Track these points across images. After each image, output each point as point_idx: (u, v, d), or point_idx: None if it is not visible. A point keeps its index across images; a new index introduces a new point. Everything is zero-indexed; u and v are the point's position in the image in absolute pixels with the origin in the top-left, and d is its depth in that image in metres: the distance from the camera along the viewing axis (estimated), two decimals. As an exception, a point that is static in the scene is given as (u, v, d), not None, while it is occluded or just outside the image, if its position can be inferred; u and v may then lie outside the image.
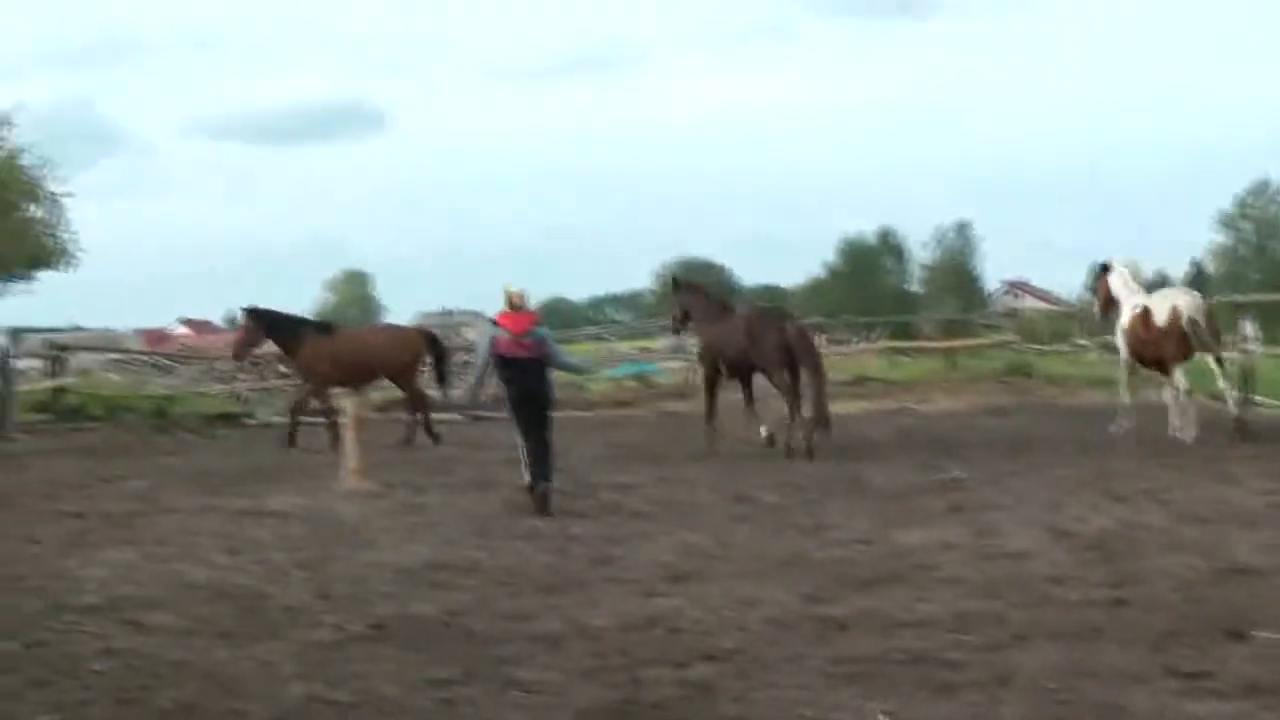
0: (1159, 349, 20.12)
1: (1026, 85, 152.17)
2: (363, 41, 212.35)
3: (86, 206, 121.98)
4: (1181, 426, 19.87)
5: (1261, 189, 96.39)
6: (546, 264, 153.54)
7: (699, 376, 25.00)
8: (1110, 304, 21.79)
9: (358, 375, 23.47)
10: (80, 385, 33.90)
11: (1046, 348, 41.13)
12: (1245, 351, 22.99)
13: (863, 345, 44.95)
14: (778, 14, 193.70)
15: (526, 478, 15.03)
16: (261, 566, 11.65)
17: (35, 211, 33.67)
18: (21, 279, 34.18)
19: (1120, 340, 21.30)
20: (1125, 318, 21.00)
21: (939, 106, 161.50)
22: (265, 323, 23.86)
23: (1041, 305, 79.41)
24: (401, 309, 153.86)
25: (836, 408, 22.12)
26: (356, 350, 23.93)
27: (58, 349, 32.94)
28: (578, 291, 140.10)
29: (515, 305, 15.60)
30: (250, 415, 31.02)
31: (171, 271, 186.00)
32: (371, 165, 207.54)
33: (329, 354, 23.17)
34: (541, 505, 14.64)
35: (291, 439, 22.60)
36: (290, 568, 11.56)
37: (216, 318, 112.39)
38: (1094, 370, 33.23)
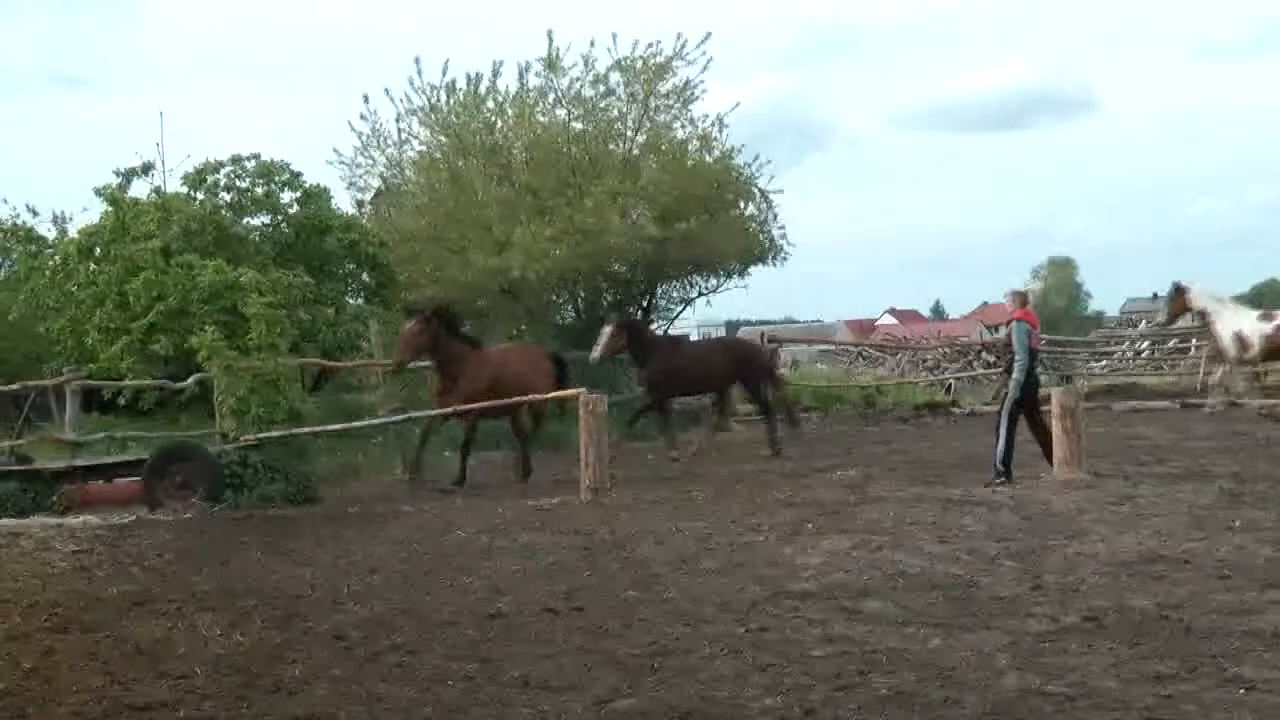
0: None
1: None
2: (1065, 24, 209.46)
3: (795, 201, 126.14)
4: None
5: None
6: (1262, 245, 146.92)
7: None
8: None
9: None
10: (792, 376, 35.11)
11: None
12: None
13: None
14: None
15: (1000, 467, 16.63)
16: (972, 556, 11.68)
17: (748, 209, 34.96)
18: (736, 275, 35.57)
19: None
20: None
21: None
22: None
23: None
24: (1107, 295, 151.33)
25: None
26: None
27: (772, 342, 34.15)
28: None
29: (1027, 303, 17.47)
30: (956, 404, 31.24)
31: (879, 262, 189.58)
32: (1076, 149, 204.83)
33: None
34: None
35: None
36: (1001, 557, 11.54)
37: (923, 307, 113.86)
38: None
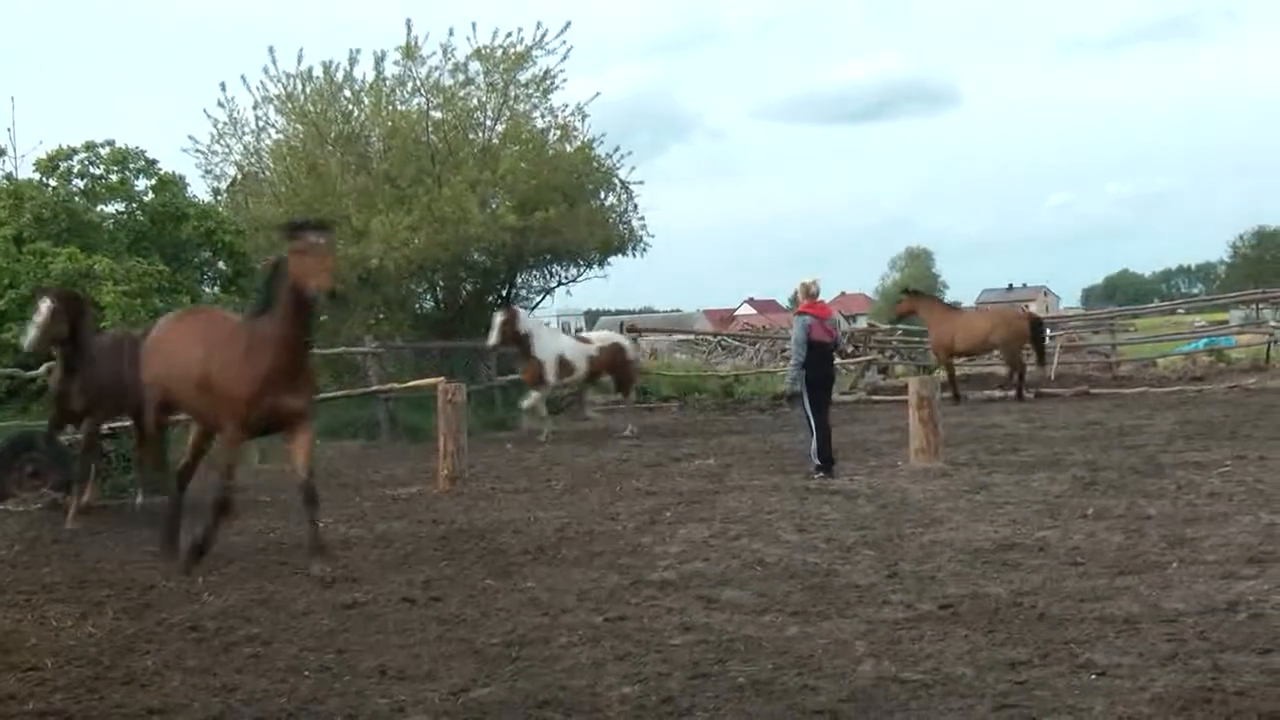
0: None
1: None
2: (932, 17, 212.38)
3: (657, 192, 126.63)
4: None
5: None
6: (1114, 237, 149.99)
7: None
8: None
9: None
10: (650, 366, 35.20)
11: None
12: None
13: None
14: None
15: (817, 461, 16.52)
16: (830, 544, 11.78)
17: (608, 199, 35.05)
18: (596, 264, 35.64)
19: None
20: None
21: None
22: None
23: None
24: (964, 286, 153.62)
25: None
26: None
27: (631, 331, 34.22)
28: (1146, 265, 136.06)
29: (813, 295, 17.42)
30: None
31: (739, 253, 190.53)
32: (940, 142, 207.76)
33: None
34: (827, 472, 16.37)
35: None
36: (858, 546, 11.65)
37: (782, 298, 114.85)
38: None
